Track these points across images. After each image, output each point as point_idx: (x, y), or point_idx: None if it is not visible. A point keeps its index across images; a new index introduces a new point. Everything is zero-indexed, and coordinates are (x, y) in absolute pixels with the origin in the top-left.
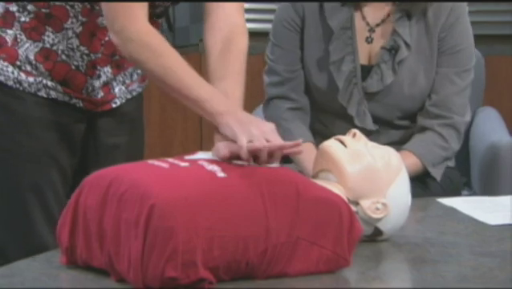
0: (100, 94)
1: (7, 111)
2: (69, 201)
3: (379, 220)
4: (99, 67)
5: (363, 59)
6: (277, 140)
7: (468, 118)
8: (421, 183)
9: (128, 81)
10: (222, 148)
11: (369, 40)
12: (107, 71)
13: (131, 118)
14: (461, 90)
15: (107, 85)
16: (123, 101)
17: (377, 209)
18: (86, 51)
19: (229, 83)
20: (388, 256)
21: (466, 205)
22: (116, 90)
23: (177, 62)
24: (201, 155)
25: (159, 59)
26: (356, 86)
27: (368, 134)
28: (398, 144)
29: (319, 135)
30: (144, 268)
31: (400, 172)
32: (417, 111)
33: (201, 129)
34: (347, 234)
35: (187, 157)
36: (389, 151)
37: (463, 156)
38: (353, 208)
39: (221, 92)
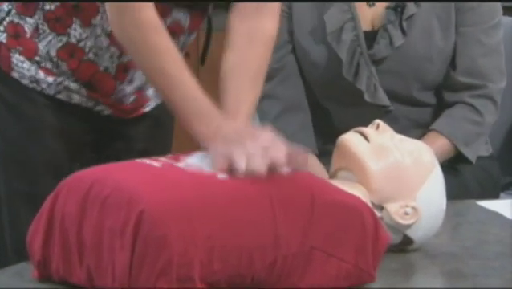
0: (131, 100)
1: (16, 114)
2: (42, 207)
3: (408, 227)
4: (131, 71)
5: (365, 25)
6: (278, 153)
7: (503, 83)
8: (453, 170)
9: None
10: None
11: (371, 4)
12: (140, 75)
13: (157, 123)
14: (490, 50)
15: (140, 90)
16: (158, 102)
17: (406, 213)
18: (117, 52)
19: (244, 87)
20: (420, 269)
21: None
22: (150, 92)
23: (173, 64)
24: (197, 158)
25: (153, 57)
26: (362, 55)
27: (384, 116)
28: (423, 127)
29: (324, 131)
30: (132, 285)
31: (433, 170)
32: (440, 81)
33: None
34: (371, 243)
35: (182, 157)
36: (420, 145)
37: (502, 142)
38: (378, 213)
39: (232, 95)
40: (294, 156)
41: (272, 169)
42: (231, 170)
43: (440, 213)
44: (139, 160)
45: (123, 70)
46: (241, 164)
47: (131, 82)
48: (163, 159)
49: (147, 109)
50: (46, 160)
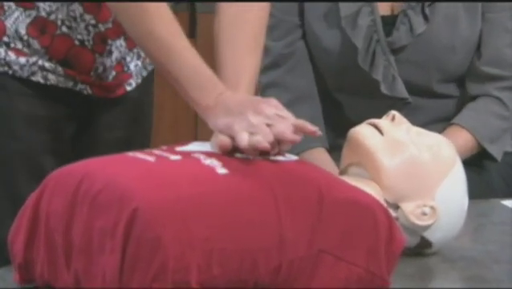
0: (112, 74)
1: None
2: (25, 205)
3: (426, 228)
4: (109, 41)
5: (383, 9)
6: (284, 125)
7: None
8: (476, 166)
9: (143, 53)
10: (223, 139)
11: None
12: (120, 45)
13: (137, 105)
14: None
15: (120, 62)
16: (139, 81)
17: (423, 213)
18: (92, 21)
19: (241, 52)
20: (438, 274)
21: None
22: (132, 67)
23: (165, 27)
24: (195, 146)
25: (144, 18)
26: (379, 43)
27: (401, 109)
28: (443, 121)
29: (336, 125)
30: None
31: (454, 165)
32: (463, 72)
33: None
34: (385, 246)
35: (178, 148)
36: (439, 139)
37: None
38: (392, 213)
39: (229, 63)
40: (303, 130)
41: (278, 143)
42: (232, 145)
43: (461, 213)
44: (131, 154)
45: (101, 40)
46: (244, 137)
47: (110, 53)
48: (157, 152)
49: (128, 88)
50: (20, 154)
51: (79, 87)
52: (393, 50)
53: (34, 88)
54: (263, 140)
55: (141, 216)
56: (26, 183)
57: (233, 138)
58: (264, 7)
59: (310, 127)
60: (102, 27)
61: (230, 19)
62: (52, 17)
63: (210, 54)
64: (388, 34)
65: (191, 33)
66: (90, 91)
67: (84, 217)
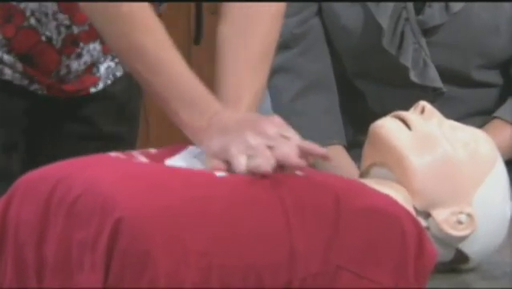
0: (76, 78)
1: None
2: None
3: (462, 239)
4: (81, 44)
5: None
6: (288, 148)
7: None
8: None
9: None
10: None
11: None
12: (92, 49)
13: (119, 102)
14: None
15: (90, 67)
16: (109, 82)
17: (459, 222)
18: (66, 22)
19: (246, 68)
20: None
21: None
22: (102, 69)
23: (154, 40)
24: (185, 158)
25: (131, 33)
26: (408, 22)
27: (433, 99)
28: (483, 114)
29: (356, 118)
30: None
31: (494, 166)
32: (507, 57)
33: None
34: (414, 261)
35: (166, 161)
36: (477, 134)
37: None
38: (422, 222)
39: (231, 79)
40: (310, 152)
41: (281, 165)
42: (228, 170)
43: (503, 221)
44: (113, 154)
45: (72, 42)
46: (241, 162)
47: (79, 57)
48: (145, 153)
49: (93, 90)
50: None
51: (35, 86)
52: (425, 31)
53: None
54: (264, 164)
55: (127, 226)
56: None
57: (229, 163)
58: (277, 17)
59: (319, 149)
60: (76, 29)
61: (236, 31)
62: (22, 5)
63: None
64: (418, 11)
65: (196, 39)
66: (45, 92)
67: (59, 229)
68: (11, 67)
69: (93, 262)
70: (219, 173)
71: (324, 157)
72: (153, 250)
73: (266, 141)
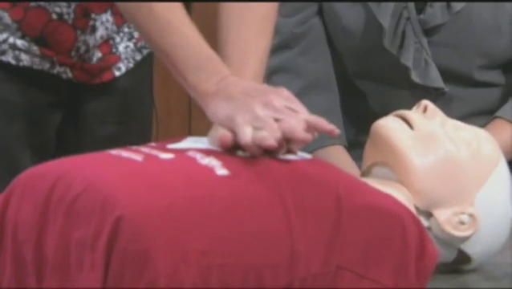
0: (97, 55)
1: None
2: None
3: (464, 239)
4: (93, 15)
5: None
6: (295, 120)
7: None
8: None
9: (136, 34)
10: (224, 134)
11: None
12: (106, 21)
13: (132, 96)
14: None
15: (107, 42)
16: (131, 65)
17: (461, 222)
18: None
19: (249, 32)
20: None
21: None
22: (121, 48)
23: (164, 2)
24: (189, 142)
25: None
26: (409, 21)
27: (435, 99)
28: (485, 114)
29: (357, 118)
30: None
31: (497, 165)
32: (509, 57)
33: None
34: (416, 261)
35: (170, 146)
36: (480, 134)
37: None
38: (424, 222)
39: (234, 44)
40: (317, 127)
41: (286, 142)
42: (234, 139)
43: (505, 222)
44: (114, 152)
45: (84, 14)
46: (247, 132)
47: (94, 30)
48: (145, 150)
49: (117, 73)
50: None
51: (57, 69)
52: (426, 31)
53: (4, 70)
54: (269, 136)
55: (127, 225)
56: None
57: (234, 132)
58: None
59: (327, 124)
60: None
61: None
62: None
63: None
64: (420, 11)
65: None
66: (70, 75)
67: (59, 228)
68: (27, 51)
69: (93, 261)
70: (220, 171)
71: (331, 133)
72: (153, 250)
73: (273, 113)
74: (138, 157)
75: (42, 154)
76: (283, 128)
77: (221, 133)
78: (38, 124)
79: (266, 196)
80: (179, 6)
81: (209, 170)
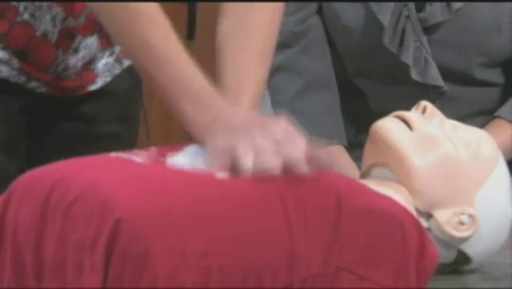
0: (74, 74)
1: None
2: None
3: (464, 240)
4: (78, 38)
5: None
6: (295, 148)
7: None
8: None
9: (117, 49)
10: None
11: None
12: (90, 44)
13: (119, 101)
14: None
15: (87, 63)
16: (108, 79)
17: (461, 223)
18: (61, 14)
19: (247, 60)
20: None
21: None
22: (100, 65)
23: (160, 35)
24: (187, 156)
25: (134, 24)
26: (409, 20)
27: (435, 98)
28: (485, 114)
29: (357, 117)
30: None
31: (496, 166)
32: (509, 56)
33: None
34: (416, 262)
35: (168, 159)
36: (479, 134)
37: None
38: (424, 223)
39: (232, 72)
40: (316, 153)
41: (286, 169)
42: (234, 169)
43: (504, 222)
44: (113, 155)
45: (68, 35)
46: (248, 160)
47: (76, 52)
48: (144, 153)
49: (92, 88)
50: None
51: (32, 84)
52: (426, 29)
53: None
54: (271, 164)
55: (126, 227)
56: None
57: (233, 161)
58: (278, 7)
59: (325, 154)
60: (72, 22)
61: (237, 22)
62: (14, 2)
63: (209, 58)
64: (419, 9)
65: (189, 34)
66: (43, 90)
67: (58, 230)
68: (7, 63)
69: (92, 263)
70: (220, 174)
71: (327, 161)
72: (153, 251)
73: (273, 143)
74: (137, 160)
75: (10, 153)
76: (284, 159)
77: (219, 162)
78: (8, 127)
79: (266, 198)
80: (175, 38)
81: (209, 172)
